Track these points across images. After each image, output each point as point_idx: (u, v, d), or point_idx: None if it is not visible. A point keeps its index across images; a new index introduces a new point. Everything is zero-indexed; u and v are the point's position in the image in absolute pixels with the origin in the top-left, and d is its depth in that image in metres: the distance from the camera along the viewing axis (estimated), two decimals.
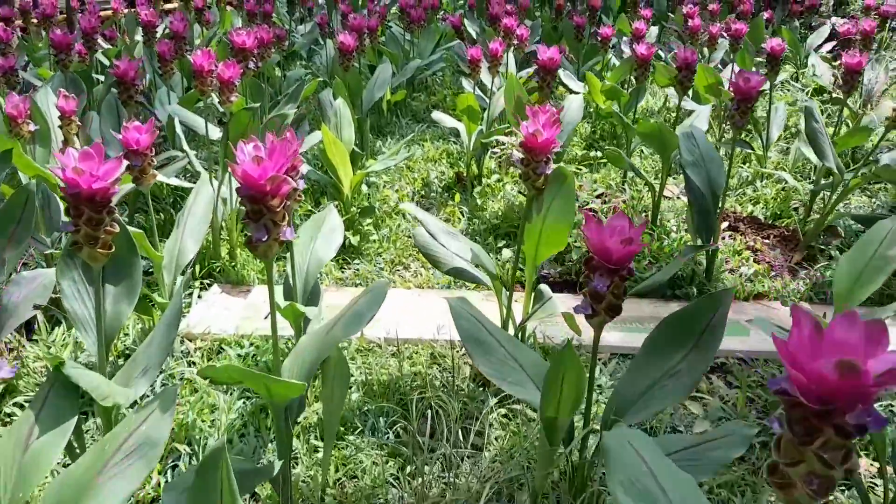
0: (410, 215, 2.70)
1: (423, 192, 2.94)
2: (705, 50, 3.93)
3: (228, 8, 5.69)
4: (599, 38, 3.54)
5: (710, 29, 3.52)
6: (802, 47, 4.77)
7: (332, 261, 2.29)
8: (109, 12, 5.93)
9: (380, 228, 2.53)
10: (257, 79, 2.88)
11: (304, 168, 2.37)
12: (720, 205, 2.09)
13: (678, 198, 2.80)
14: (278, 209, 0.99)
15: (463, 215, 2.69)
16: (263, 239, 0.98)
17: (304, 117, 2.94)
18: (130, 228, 1.52)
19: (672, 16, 7.33)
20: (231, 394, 1.64)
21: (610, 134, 3.47)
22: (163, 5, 5.51)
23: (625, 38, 4.49)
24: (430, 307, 1.99)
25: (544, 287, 1.54)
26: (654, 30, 4.94)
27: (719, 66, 4.14)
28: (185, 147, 2.13)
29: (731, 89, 1.88)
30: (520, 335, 1.60)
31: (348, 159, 2.35)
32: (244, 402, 1.60)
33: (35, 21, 4.17)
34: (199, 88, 2.03)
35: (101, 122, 2.43)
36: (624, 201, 2.72)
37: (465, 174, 3.03)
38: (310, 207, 2.54)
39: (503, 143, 2.91)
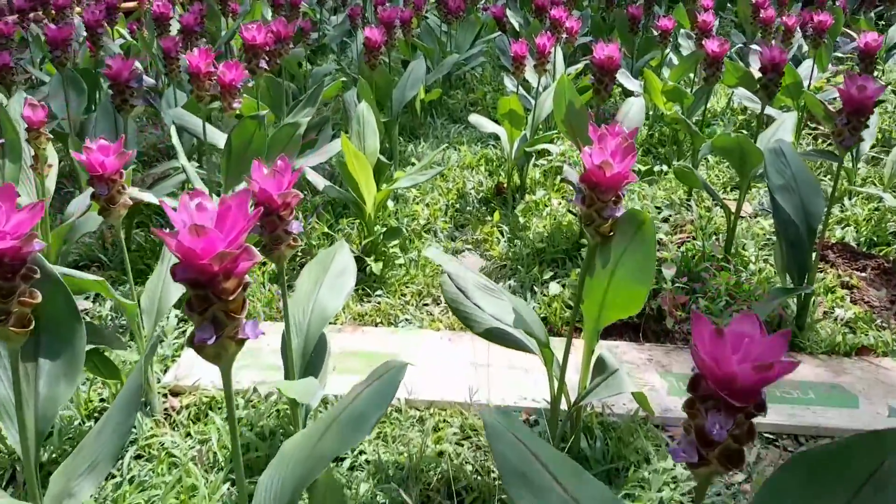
0: (443, 232, 2.38)
1: (457, 206, 2.61)
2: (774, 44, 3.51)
3: None
4: (658, 31, 3.15)
5: (786, 20, 3.11)
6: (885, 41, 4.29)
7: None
8: (134, 3, 5.72)
9: (407, 251, 2.22)
10: (279, 75, 2.58)
11: (321, 182, 2.07)
12: (817, 238, 1.72)
13: (755, 218, 2.42)
14: (233, 295, 0.67)
15: (503, 235, 2.35)
16: (209, 341, 0.67)
17: (327, 121, 2.64)
18: (87, 277, 1.23)
19: (730, 5, 6.85)
20: (219, 471, 1.34)
21: (670, 138, 3.09)
22: None
23: (682, 31, 4.09)
24: (463, 357, 1.66)
25: (608, 356, 1.21)
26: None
27: (790, 63, 3.72)
28: (182, 159, 1.84)
29: (842, 99, 1.51)
30: (574, 415, 1.27)
31: (371, 173, 2.03)
32: (230, 488, 1.30)
33: (53, 12, 3.95)
34: (195, 94, 1.73)
35: (95, 129, 2.16)
36: (692, 222, 2.35)
37: (505, 185, 2.69)
38: (326, 229, 2.23)
39: (551, 154, 2.57)
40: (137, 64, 3.43)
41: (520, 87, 2.67)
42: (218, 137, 2.17)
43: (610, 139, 1.08)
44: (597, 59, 2.01)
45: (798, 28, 3.34)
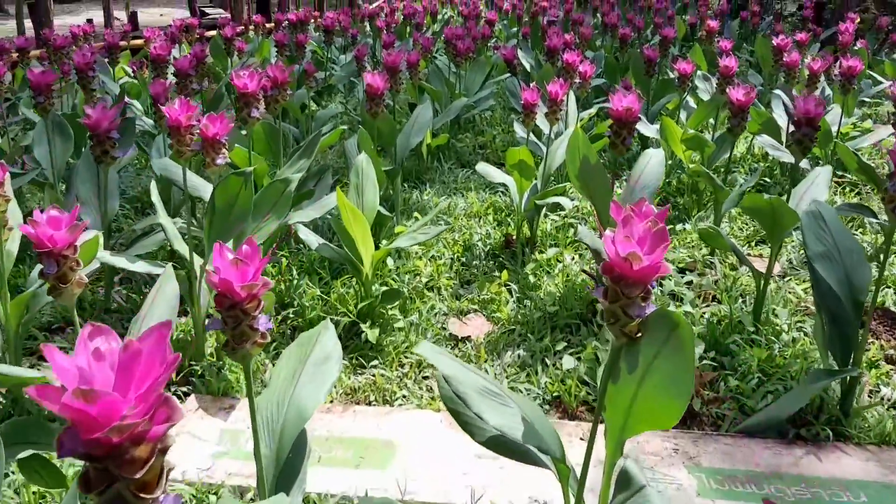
0: (447, 290, 2.21)
1: (463, 259, 2.45)
2: (793, 88, 3.36)
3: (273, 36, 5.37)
4: (677, 75, 3.01)
5: (811, 65, 2.96)
6: None
7: (345, 360, 1.81)
8: (141, 41, 5.65)
9: (407, 312, 2.05)
10: (283, 118, 2.44)
11: (315, 240, 1.91)
12: (863, 313, 1.53)
13: (784, 278, 2.24)
14: (144, 467, 0.50)
15: (511, 294, 2.18)
16: None
17: (326, 169, 2.50)
18: (25, 374, 1.06)
19: (745, 44, 6.75)
20: None
21: (689, 187, 2.93)
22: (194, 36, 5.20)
23: (699, 73, 3.95)
24: (464, 448, 1.48)
25: (633, 468, 1.02)
26: None
27: None
28: (162, 218, 1.69)
29: (894, 162, 1.34)
30: None
31: (369, 231, 1.87)
32: None
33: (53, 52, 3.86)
34: (175, 148, 1.58)
35: (77, 180, 2.02)
36: (716, 282, 2.17)
37: (514, 238, 2.53)
38: (319, 291, 2.06)
39: (563, 207, 2.41)
40: (136, 104, 3.31)
41: (531, 135, 2.51)
42: (207, 190, 2.02)
43: (637, 222, 0.91)
44: (615, 110, 1.86)
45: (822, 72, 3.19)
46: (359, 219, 1.84)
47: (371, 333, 1.81)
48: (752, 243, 2.59)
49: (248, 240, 0.93)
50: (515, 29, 6.67)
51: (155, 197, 1.69)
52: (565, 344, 1.84)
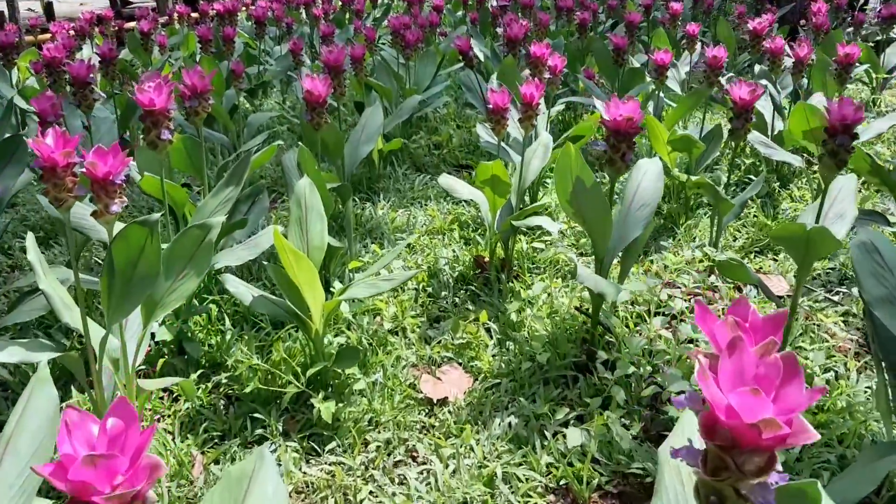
0: (415, 332, 1.86)
1: (430, 289, 2.10)
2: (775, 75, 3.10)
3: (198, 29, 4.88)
4: (653, 66, 2.70)
5: (797, 52, 2.69)
6: (881, 67, 3.95)
7: (293, 442, 1.45)
8: (49, 36, 5.09)
9: (368, 368, 1.69)
10: (201, 132, 2.04)
11: (247, 294, 1.53)
12: None
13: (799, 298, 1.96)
14: None
15: (491, 335, 1.85)
16: None
17: (260, 191, 2.10)
18: None
19: (705, 27, 6.52)
20: None
21: (673, 191, 2.63)
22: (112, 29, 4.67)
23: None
24: None
25: None
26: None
27: (787, 96, 3.32)
28: (42, 283, 1.29)
29: None
30: None
31: (317, 277, 1.50)
32: None
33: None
34: (51, 195, 1.18)
35: None
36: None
37: (487, 260, 2.19)
38: (255, 360, 1.66)
39: (548, 233, 2.07)
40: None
41: (501, 143, 2.16)
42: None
43: (745, 347, 0.58)
44: (612, 121, 1.53)
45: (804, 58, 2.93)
46: (303, 264, 1.46)
47: (325, 409, 1.45)
48: (751, 255, 2.32)
49: (117, 402, 0.57)
50: (461, 13, 6.30)
51: (32, 255, 1.29)
52: (566, 409, 1.51)
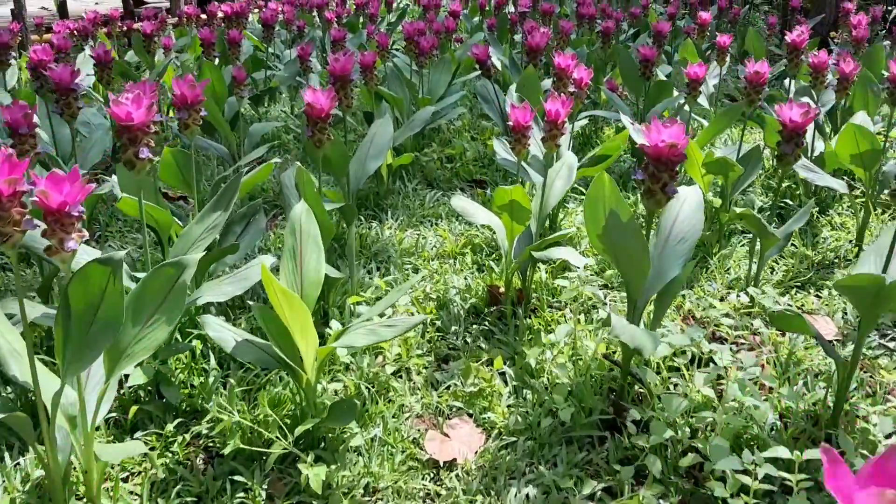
0: (420, 374, 1.66)
1: (438, 324, 1.91)
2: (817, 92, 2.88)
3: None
4: (687, 80, 2.50)
5: (842, 67, 2.48)
6: None
7: None
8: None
9: (367, 420, 1.50)
10: (192, 145, 1.85)
11: (230, 338, 1.34)
12: None
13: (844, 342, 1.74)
14: None
15: (506, 382, 1.65)
16: None
17: (257, 211, 1.92)
18: None
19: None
20: None
21: (707, 218, 2.41)
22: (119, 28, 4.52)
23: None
24: None
25: None
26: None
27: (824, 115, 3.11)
28: None
29: None
30: None
31: (310, 321, 1.31)
32: None
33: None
34: None
35: None
36: (767, 360, 1.67)
37: (503, 292, 2.00)
38: (241, 412, 1.46)
39: (573, 267, 1.87)
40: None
41: (521, 163, 1.96)
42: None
43: None
44: (653, 146, 1.33)
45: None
46: (296, 306, 1.27)
47: (314, 477, 1.25)
48: (792, 291, 2.11)
49: None
50: (478, 19, 6.11)
51: None
52: (593, 482, 1.31)
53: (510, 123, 1.82)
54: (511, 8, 5.40)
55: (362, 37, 4.96)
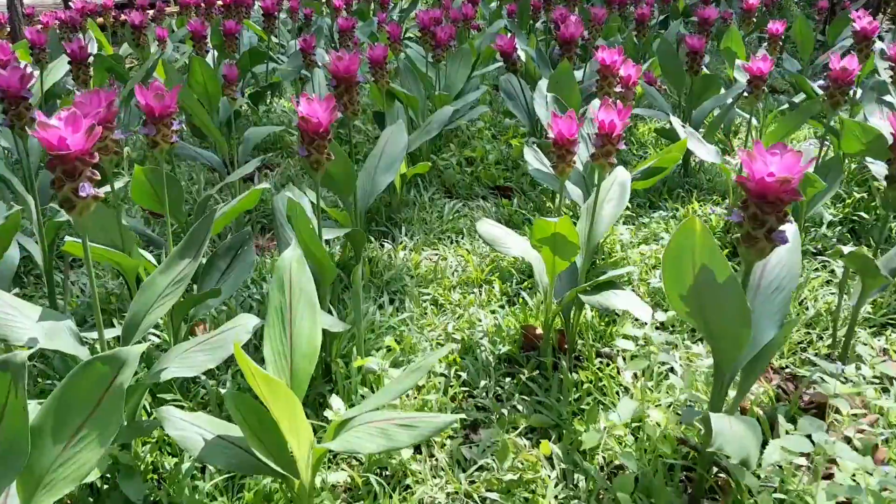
0: (444, 447, 1.34)
1: (464, 376, 1.58)
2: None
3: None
4: (749, 77, 2.13)
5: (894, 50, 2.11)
6: None
7: None
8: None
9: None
10: (171, 162, 1.53)
11: (196, 439, 1.03)
12: None
13: None
14: None
15: (554, 466, 1.32)
16: None
17: (246, 241, 1.59)
18: None
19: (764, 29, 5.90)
20: None
21: None
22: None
23: (738, 63, 3.08)
24: None
25: None
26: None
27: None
28: None
29: None
30: None
31: (300, 410, 0.99)
32: None
33: None
34: None
35: None
36: (890, 461, 1.33)
37: (541, 334, 1.67)
38: None
39: (637, 320, 1.53)
40: None
41: (563, 184, 1.62)
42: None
43: None
44: (757, 179, 0.99)
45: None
46: (281, 395, 0.95)
47: None
48: (887, 332, 1.76)
49: None
50: (496, 4, 5.72)
51: None
52: None
53: (551, 136, 1.48)
54: None
55: (373, 25, 4.61)
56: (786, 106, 3.06)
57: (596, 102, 2.18)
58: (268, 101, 3.55)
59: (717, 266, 0.99)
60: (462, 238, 2.34)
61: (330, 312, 1.54)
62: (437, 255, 2.25)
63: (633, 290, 1.70)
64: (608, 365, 1.59)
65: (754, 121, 3.22)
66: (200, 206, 1.83)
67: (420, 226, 2.42)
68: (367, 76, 2.39)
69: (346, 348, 1.61)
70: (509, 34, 3.62)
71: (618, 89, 1.90)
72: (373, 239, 2.26)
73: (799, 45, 4.00)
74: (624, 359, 1.61)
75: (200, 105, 2.14)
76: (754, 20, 3.53)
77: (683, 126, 2.23)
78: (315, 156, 1.37)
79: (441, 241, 2.33)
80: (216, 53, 2.99)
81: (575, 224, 1.55)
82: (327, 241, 2.01)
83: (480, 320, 1.81)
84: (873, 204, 2.40)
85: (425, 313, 1.87)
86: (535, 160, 2.09)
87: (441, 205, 2.59)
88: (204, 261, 1.61)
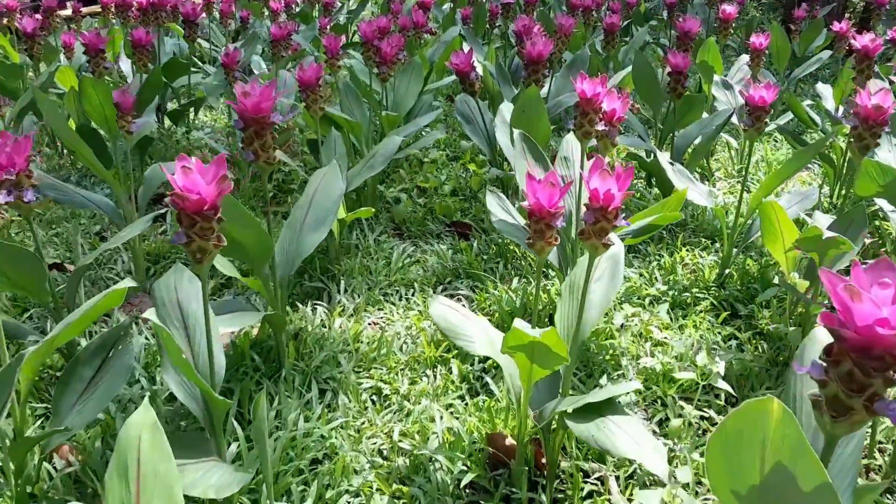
0: None
1: None
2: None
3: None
4: (748, 108, 1.80)
5: None
6: None
7: None
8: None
9: None
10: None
11: None
12: None
13: None
14: None
15: None
16: None
17: (121, 336, 1.19)
18: None
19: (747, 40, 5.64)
20: None
21: (789, 310, 1.74)
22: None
23: (717, 78, 2.76)
24: None
25: None
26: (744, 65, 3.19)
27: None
28: None
29: None
30: None
31: None
32: None
33: None
34: None
35: None
36: None
37: (511, 446, 1.30)
38: None
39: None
40: None
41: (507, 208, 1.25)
42: None
43: None
44: (860, 328, 0.63)
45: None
46: None
47: None
48: None
49: None
50: (449, 6, 5.33)
51: None
52: None
53: (526, 206, 1.11)
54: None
55: (315, 29, 4.17)
56: (773, 127, 2.76)
57: (569, 137, 1.84)
58: (188, 121, 3.10)
59: (802, 468, 0.63)
60: (413, 294, 1.96)
61: (228, 445, 1.14)
62: (383, 317, 1.86)
63: (622, 375, 1.34)
64: (600, 485, 1.23)
65: (737, 143, 2.92)
66: (72, 281, 1.41)
67: (363, 277, 2.03)
68: (297, 103, 1.99)
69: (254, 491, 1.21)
70: (465, 45, 3.25)
71: (600, 127, 1.54)
72: (300, 305, 1.85)
73: (774, 57, 3.73)
74: (617, 478, 1.26)
75: (83, 143, 1.71)
76: (731, 31, 3.22)
77: (672, 164, 1.89)
78: (198, 242, 0.97)
79: (388, 297, 1.95)
80: (114, 70, 2.54)
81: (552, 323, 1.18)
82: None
83: (434, 420, 1.43)
84: (884, 250, 2.10)
85: (365, 408, 1.49)
86: (499, 209, 1.72)
87: (389, 248, 2.20)
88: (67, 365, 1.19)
